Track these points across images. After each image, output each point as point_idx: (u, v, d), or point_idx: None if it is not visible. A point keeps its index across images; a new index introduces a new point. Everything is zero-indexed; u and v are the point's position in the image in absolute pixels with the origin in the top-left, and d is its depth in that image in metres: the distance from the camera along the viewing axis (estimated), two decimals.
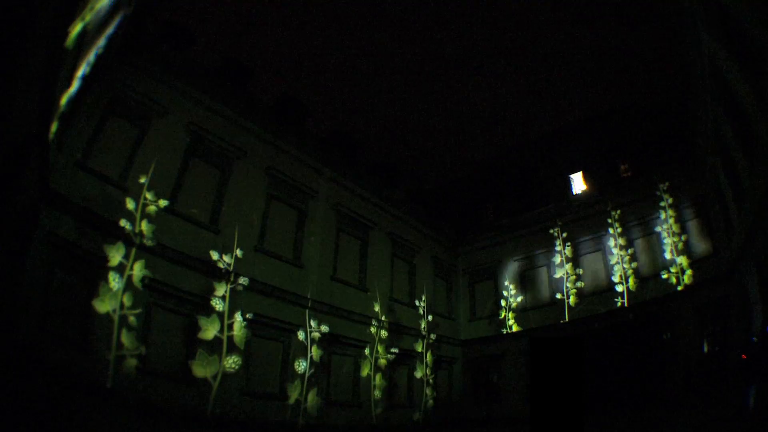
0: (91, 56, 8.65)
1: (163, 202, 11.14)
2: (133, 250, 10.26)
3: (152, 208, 10.90)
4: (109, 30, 9.08)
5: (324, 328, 13.95)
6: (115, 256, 9.90)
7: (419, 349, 17.30)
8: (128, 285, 9.96)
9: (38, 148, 6.75)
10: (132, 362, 9.52)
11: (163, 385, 9.97)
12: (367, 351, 15.17)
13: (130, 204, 10.50)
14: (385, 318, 16.32)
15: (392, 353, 16.10)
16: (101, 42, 8.91)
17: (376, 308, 16.14)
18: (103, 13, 7.89)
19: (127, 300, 9.82)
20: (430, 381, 17.33)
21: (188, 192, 11.89)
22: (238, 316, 11.79)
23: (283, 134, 14.64)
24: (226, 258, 12.05)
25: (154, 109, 11.57)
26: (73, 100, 8.63)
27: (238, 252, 12.38)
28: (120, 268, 9.91)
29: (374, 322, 15.78)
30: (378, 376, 15.26)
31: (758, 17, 7.39)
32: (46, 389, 7.91)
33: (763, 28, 7.32)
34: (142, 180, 10.89)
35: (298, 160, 15.03)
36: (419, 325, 17.75)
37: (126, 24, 9.99)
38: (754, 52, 7.95)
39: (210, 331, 11.13)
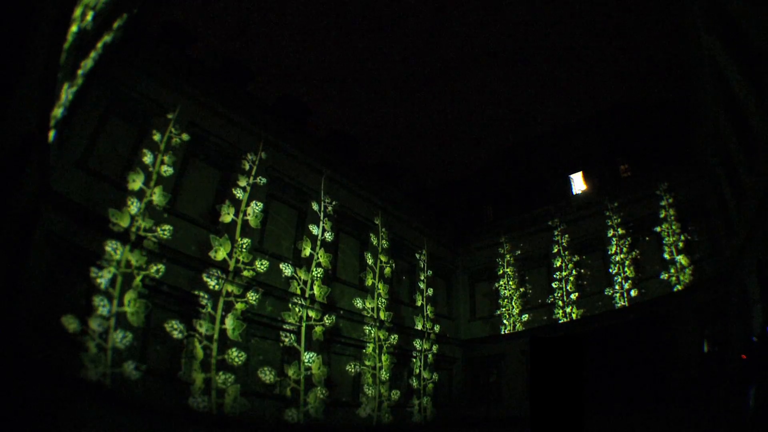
0: (91, 56, 8.65)
1: (162, 202, 11.15)
2: (131, 249, 10.26)
3: (149, 212, 10.91)
4: (110, 30, 9.08)
5: (323, 328, 13.97)
6: (115, 256, 9.90)
7: (419, 349, 17.30)
8: (128, 284, 9.96)
9: (38, 148, 6.75)
10: (132, 361, 9.53)
11: (163, 385, 9.98)
12: (367, 351, 15.17)
13: (129, 203, 10.50)
14: (385, 318, 16.32)
15: (392, 353, 16.10)
16: (102, 42, 8.91)
17: (376, 308, 16.14)
18: (103, 13, 7.89)
19: (126, 299, 9.82)
20: (430, 381, 17.33)
21: (188, 192, 11.89)
22: (233, 315, 11.81)
23: (283, 134, 14.64)
24: (225, 256, 12.06)
25: (154, 109, 11.57)
26: (74, 100, 8.63)
27: (239, 252, 12.39)
28: (119, 267, 9.91)
29: (374, 322, 15.78)
30: (378, 376, 15.26)
31: (758, 18, 7.39)
32: (45, 389, 7.91)
33: (763, 29, 7.33)
34: (142, 180, 10.90)
35: (298, 160, 15.03)
36: (419, 324, 17.75)
37: (126, 24, 9.98)
38: (754, 52, 7.95)
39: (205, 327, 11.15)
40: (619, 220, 17.35)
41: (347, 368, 14.45)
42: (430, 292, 18.97)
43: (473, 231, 21.45)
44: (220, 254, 11.97)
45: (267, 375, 12.12)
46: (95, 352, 9.04)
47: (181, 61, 12.27)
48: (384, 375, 15.50)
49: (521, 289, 19.11)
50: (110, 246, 9.85)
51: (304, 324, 13.45)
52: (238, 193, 12.97)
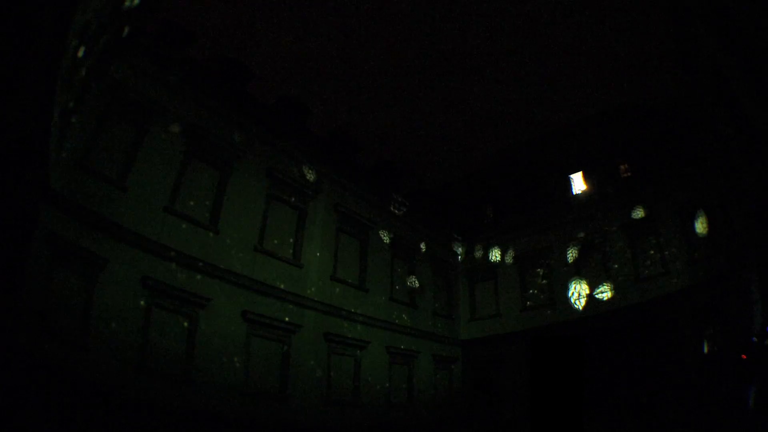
0: (91, 56, 8.64)
1: (162, 202, 11.15)
2: (131, 249, 10.26)
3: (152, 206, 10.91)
4: (110, 30, 9.07)
5: (323, 328, 13.98)
6: (115, 255, 9.89)
7: (419, 349, 17.29)
8: (128, 284, 9.96)
9: (38, 148, 6.75)
10: (132, 362, 9.53)
11: (162, 385, 9.98)
12: (366, 350, 15.16)
13: (129, 203, 10.49)
14: (385, 318, 16.31)
15: (392, 353, 16.10)
16: (102, 42, 8.91)
17: (376, 308, 16.14)
18: (104, 13, 7.89)
19: (126, 299, 9.82)
20: (430, 381, 17.31)
21: (188, 192, 11.89)
22: (233, 315, 11.81)
23: (283, 134, 14.64)
24: (226, 256, 12.06)
25: (153, 109, 11.57)
26: (73, 100, 8.62)
27: (240, 252, 12.39)
28: (119, 267, 9.91)
29: (374, 322, 15.78)
30: (378, 376, 15.25)
31: (758, 17, 7.39)
32: (45, 389, 7.91)
33: (763, 28, 7.33)
34: (142, 180, 10.89)
35: (298, 160, 15.03)
36: (419, 324, 17.74)
37: (126, 24, 9.98)
38: (754, 52, 7.95)
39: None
40: (619, 219, 17.35)
41: (347, 368, 14.45)
42: (430, 292, 18.96)
43: (473, 231, 21.44)
44: (221, 254, 11.96)
45: (267, 375, 12.12)
46: (95, 352, 9.04)
47: (181, 61, 12.28)
48: (384, 375, 15.50)
49: (521, 289, 19.10)
50: (110, 246, 9.85)
51: (304, 324, 13.44)
52: (238, 194, 12.97)
